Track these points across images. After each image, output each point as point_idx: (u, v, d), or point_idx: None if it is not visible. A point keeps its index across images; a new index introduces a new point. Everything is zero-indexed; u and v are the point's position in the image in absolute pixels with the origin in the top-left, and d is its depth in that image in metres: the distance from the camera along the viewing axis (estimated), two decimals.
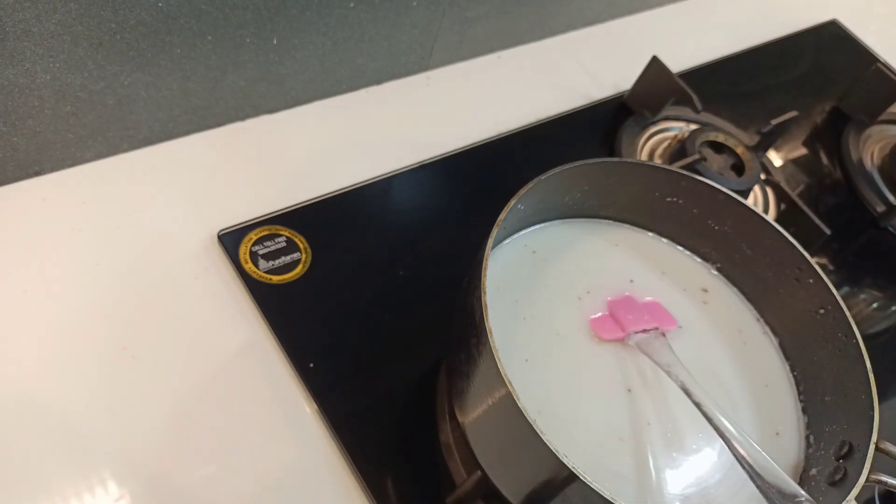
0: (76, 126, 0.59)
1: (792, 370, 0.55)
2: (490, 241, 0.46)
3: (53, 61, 0.54)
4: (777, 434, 0.52)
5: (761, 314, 0.57)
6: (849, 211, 0.83)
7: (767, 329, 0.56)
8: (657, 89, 0.78)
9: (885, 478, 0.45)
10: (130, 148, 0.63)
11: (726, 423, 0.44)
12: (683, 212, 0.56)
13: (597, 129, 0.79)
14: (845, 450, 0.47)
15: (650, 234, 0.59)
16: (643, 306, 0.54)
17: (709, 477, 0.49)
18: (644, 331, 0.52)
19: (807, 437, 0.52)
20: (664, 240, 0.59)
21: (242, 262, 0.59)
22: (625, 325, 0.52)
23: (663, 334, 0.52)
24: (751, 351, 0.55)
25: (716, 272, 0.58)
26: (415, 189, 0.69)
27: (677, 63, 0.81)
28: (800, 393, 0.54)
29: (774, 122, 0.77)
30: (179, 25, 0.57)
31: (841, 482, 0.45)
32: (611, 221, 0.59)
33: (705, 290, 0.57)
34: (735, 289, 0.57)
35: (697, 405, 0.46)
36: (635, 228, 0.59)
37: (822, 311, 0.52)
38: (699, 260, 0.58)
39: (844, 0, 1.06)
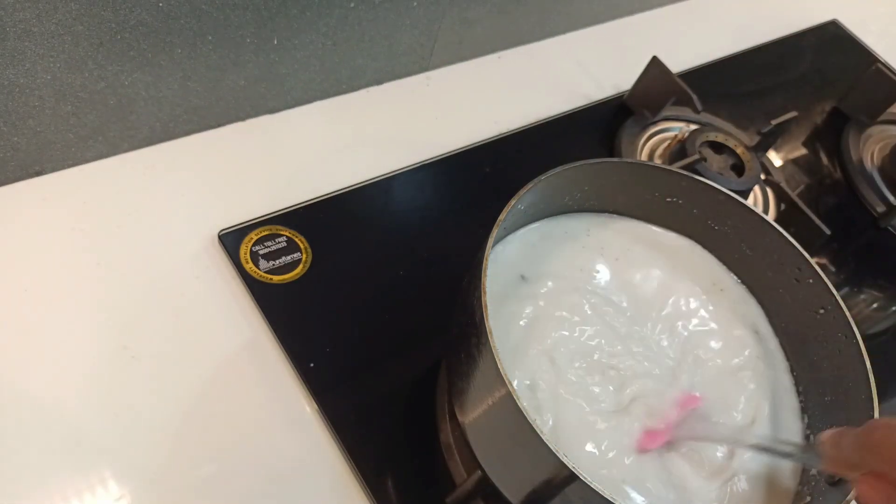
0: (77, 126, 0.59)
1: (792, 370, 0.55)
2: (490, 241, 0.46)
3: (54, 61, 0.54)
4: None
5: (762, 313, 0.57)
6: (849, 211, 0.83)
7: (770, 328, 0.56)
8: (657, 89, 0.78)
9: None
10: (131, 148, 0.64)
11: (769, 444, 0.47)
12: (683, 212, 0.56)
13: (597, 129, 0.80)
14: None
15: (654, 227, 0.59)
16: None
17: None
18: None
19: (807, 437, 0.52)
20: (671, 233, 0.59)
21: (243, 261, 0.59)
22: (664, 436, 0.50)
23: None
24: (755, 349, 0.55)
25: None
26: (415, 189, 0.69)
27: (677, 63, 0.81)
28: (799, 393, 0.54)
29: (774, 122, 0.77)
30: (180, 25, 0.57)
31: (841, 482, 0.45)
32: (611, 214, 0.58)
33: (714, 283, 0.57)
34: (744, 286, 0.57)
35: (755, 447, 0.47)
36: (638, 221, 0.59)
37: (822, 311, 0.52)
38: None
39: (844, 0, 1.06)
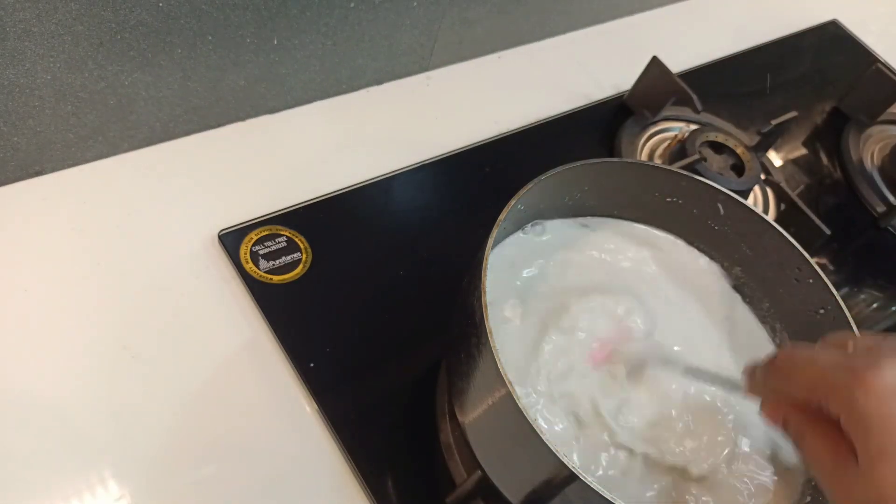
0: (77, 126, 0.59)
1: None
2: (490, 241, 0.46)
3: (54, 61, 0.54)
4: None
5: (761, 314, 0.57)
6: (849, 211, 0.83)
7: (768, 328, 0.56)
8: (657, 89, 0.78)
9: None
10: (131, 148, 0.64)
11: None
12: (683, 212, 0.56)
13: (597, 129, 0.80)
14: None
15: (654, 229, 0.59)
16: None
17: None
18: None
19: None
20: (670, 235, 0.59)
21: (243, 261, 0.59)
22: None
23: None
24: (753, 348, 0.55)
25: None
26: (415, 189, 0.69)
27: (677, 63, 0.81)
28: None
29: (774, 122, 0.77)
30: (180, 25, 0.57)
31: None
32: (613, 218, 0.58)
33: (707, 284, 0.57)
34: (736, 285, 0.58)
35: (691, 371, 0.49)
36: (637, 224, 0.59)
37: (822, 311, 0.52)
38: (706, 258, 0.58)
39: (844, 0, 1.06)
